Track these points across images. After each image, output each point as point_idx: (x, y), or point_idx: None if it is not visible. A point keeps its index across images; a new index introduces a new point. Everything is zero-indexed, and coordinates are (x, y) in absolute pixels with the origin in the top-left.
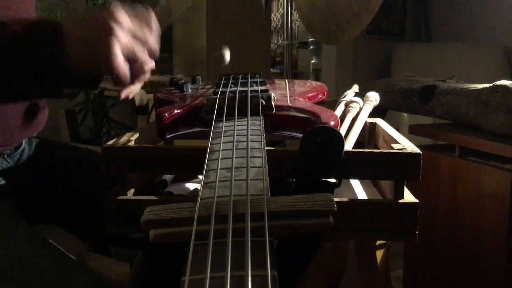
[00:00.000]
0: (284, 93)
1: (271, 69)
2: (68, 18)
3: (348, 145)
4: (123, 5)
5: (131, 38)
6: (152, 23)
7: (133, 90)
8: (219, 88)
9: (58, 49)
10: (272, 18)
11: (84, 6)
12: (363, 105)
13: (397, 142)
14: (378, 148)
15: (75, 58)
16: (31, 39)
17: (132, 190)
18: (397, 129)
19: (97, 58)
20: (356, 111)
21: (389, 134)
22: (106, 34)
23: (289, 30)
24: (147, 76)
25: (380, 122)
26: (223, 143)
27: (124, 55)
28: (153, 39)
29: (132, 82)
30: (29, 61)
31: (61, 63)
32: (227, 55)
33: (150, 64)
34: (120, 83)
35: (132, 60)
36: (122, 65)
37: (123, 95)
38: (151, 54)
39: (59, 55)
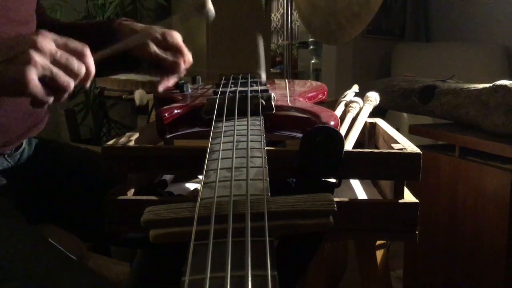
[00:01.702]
0: (284, 93)
1: (271, 69)
2: None
3: (348, 145)
4: (50, 33)
5: (48, 60)
6: (80, 49)
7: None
8: (219, 88)
9: None
10: (272, 18)
11: (84, 6)
12: (363, 105)
13: (397, 142)
14: (378, 148)
15: None
16: None
17: (132, 190)
18: (397, 129)
19: (9, 82)
20: (356, 111)
21: (389, 134)
22: (21, 58)
23: (289, 30)
24: (68, 92)
25: (380, 122)
26: (223, 143)
27: (40, 77)
28: (76, 60)
29: (54, 97)
30: None
31: None
32: (209, 4)
33: (71, 83)
34: (38, 103)
35: (48, 80)
36: (36, 89)
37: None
38: (74, 73)
39: None
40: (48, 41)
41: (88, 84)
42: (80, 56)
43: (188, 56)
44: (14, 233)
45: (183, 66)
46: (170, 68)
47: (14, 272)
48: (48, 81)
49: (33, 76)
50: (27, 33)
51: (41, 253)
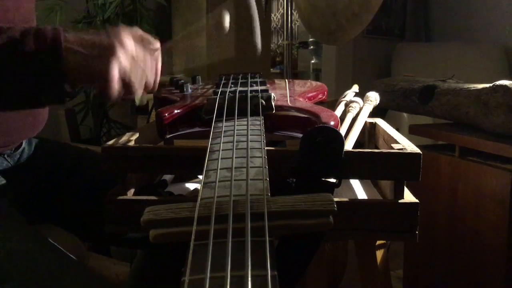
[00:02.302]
0: (284, 93)
1: (271, 69)
2: (70, 28)
3: (348, 145)
4: (131, 30)
5: (131, 63)
6: (156, 55)
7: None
8: (219, 88)
9: (55, 57)
10: (272, 18)
11: (84, 6)
12: (363, 105)
13: (397, 142)
14: (378, 148)
15: (72, 70)
16: (30, 45)
17: (132, 190)
18: (397, 129)
19: (94, 74)
20: (356, 111)
21: (389, 134)
22: (108, 53)
23: (289, 30)
24: (133, 97)
25: (380, 122)
26: (223, 143)
27: (120, 77)
28: (152, 70)
29: (118, 100)
30: (28, 67)
31: (58, 71)
32: (226, 22)
33: (140, 91)
34: (107, 97)
35: (125, 82)
36: (115, 86)
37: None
38: (147, 84)
39: (56, 63)
40: (130, 40)
41: (156, 87)
42: (154, 57)
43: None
44: (14, 233)
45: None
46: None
47: (14, 272)
48: (124, 81)
49: (116, 72)
50: (111, 34)
51: (41, 253)
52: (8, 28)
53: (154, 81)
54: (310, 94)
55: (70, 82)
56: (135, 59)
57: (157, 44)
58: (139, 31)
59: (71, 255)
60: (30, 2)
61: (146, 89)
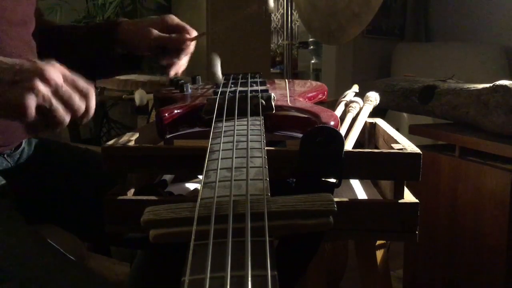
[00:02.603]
0: (284, 93)
1: (271, 69)
2: None
3: (348, 145)
4: (62, 67)
5: (50, 91)
6: (84, 88)
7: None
8: (219, 88)
9: None
10: (272, 18)
11: (84, 6)
12: (363, 105)
13: (397, 142)
14: (378, 148)
15: None
16: None
17: (132, 190)
18: (397, 129)
19: (9, 102)
20: (356, 111)
21: (389, 134)
22: (25, 83)
23: (289, 30)
24: (61, 127)
25: (380, 122)
26: (223, 143)
27: (39, 103)
28: (79, 99)
29: (43, 128)
30: None
31: None
32: (218, 71)
33: (67, 120)
34: (28, 128)
35: (45, 111)
36: (31, 115)
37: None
38: (73, 112)
39: None
40: (56, 74)
41: (84, 122)
42: (84, 96)
43: (191, 31)
44: (12, 234)
45: (188, 40)
46: (177, 46)
47: (13, 273)
48: (45, 112)
49: (32, 104)
50: (37, 61)
51: (39, 254)
52: None
53: (86, 112)
54: (310, 94)
55: None
56: (59, 87)
57: (91, 89)
58: (72, 76)
59: (71, 256)
60: (29, 3)
61: (75, 116)
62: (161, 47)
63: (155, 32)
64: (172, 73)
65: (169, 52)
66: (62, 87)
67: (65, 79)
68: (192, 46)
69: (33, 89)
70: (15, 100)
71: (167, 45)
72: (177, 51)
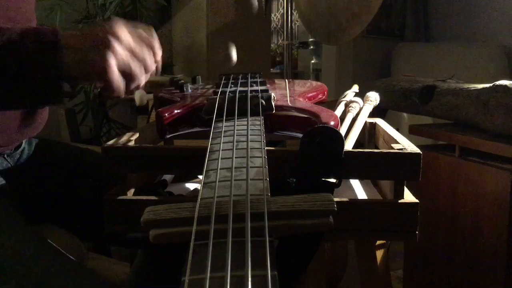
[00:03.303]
0: (284, 93)
1: (271, 69)
2: (66, 28)
3: (348, 145)
4: (124, 22)
5: (128, 54)
6: (152, 43)
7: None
8: (219, 88)
9: (54, 57)
10: (272, 18)
11: (84, 6)
12: (363, 105)
13: (397, 142)
14: (378, 148)
15: (71, 66)
16: (28, 46)
17: (132, 190)
18: (397, 129)
19: (92, 69)
20: (356, 111)
21: (389, 134)
22: (103, 47)
23: (289, 30)
24: (137, 86)
25: (380, 122)
26: (223, 143)
27: (119, 69)
28: (150, 56)
29: (123, 93)
30: (26, 68)
31: (58, 70)
32: (234, 55)
33: (143, 80)
34: (111, 93)
35: (126, 73)
36: (115, 78)
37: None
38: (147, 70)
39: (55, 63)
40: (125, 32)
41: (158, 74)
42: (151, 47)
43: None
44: (12, 234)
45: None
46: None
47: (12, 273)
48: (125, 71)
49: (114, 65)
50: (105, 25)
51: (39, 254)
52: (7, 29)
53: (157, 65)
54: (310, 94)
55: (69, 80)
56: (132, 49)
57: (153, 32)
58: (133, 24)
59: (70, 256)
60: (30, 2)
61: (147, 75)
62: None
63: (114, 72)
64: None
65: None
66: (135, 46)
67: (132, 35)
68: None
69: (111, 49)
70: (98, 64)
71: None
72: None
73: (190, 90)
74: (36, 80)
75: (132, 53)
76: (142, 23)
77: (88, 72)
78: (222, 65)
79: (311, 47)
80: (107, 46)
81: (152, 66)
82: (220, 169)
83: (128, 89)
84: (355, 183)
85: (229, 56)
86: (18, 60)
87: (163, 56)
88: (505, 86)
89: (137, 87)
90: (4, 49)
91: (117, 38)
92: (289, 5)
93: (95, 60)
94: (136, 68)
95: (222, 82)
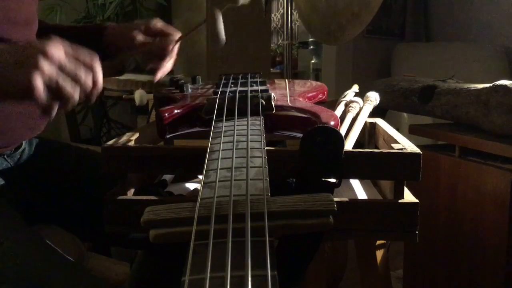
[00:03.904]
0: (284, 93)
1: (271, 69)
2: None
3: (348, 145)
4: (63, 41)
5: (56, 70)
6: (91, 62)
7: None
8: (219, 88)
9: None
10: (272, 18)
11: (84, 6)
12: (363, 105)
13: (397, 142)
14: (378, 148)
15: None
16: None
17: (132, 190)
18: (397, 129)
19: (15, 86)
20: (356, 111)
21: (389, 134)
22: (29, 63)
23: (289, 30)
24: (71, 105)
25: (380, 122)
26: (223, 143)
27: (47, 86)
28: (87, 75)
29: (53, 112)
30: None
31: None
32: (221, 32)
33: (76, 94)
34: (41, 109)
35: (54, 91)
36: (40, 96)
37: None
38: (83, 88)
39: None
40: (58, 49)
41: (94, 98)
42: (90, 68)
43: (175, 35)
44: (9, 235)
45: (170, 43)
46: (161, 51)
47: (12, 273)
48: (53, 90)
49: (39, 82)
50: (38, 40)
51: (36, 255)
52: None
53: (94, 86)
54: (310, 94)
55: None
56: (62, 64)
57: (95, 57)
58: (74, 46)
59: (70, 256)
60: (32, 2)
61: (83, 92)
62: (145, 51)
63: (140, 36)
64: (158, 76)
65: (153, 56)
66: (65, 63)
67: (67, 54)
68: (175, 50)
69: (38, 68)
70: (23, 82)
71: (151, 50)
72: (161, 55)
73: (190, 90)
74: None
75: (62, 69)
76: (141, 19)
77: (10, 89)
78: (212, 47)
79: (311, 47)
80: (33, 63)
81: (88, 84)
82: (220, 169)
83: (62, 107)
84: (355, 183)
85: (217, 35)
86: None
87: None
88: (505, 86)
89: (71, 103)
90: None
91: (46, 54)
92: (289, 5)
93: (18, 76)
94: (67, 85)
95: (222, 82)
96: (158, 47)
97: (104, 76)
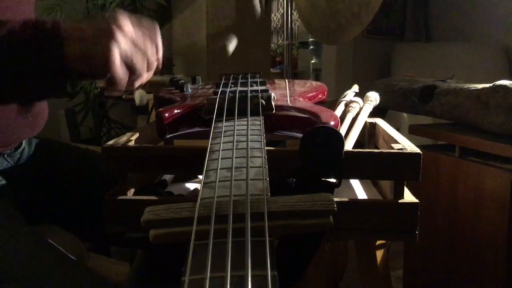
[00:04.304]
0: (284, 93)
1: (271, 69)
2: (68, 18)
3: (348, 145)
4: (129, 15)
5: (132, 46)
6: (155, 36)
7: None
8: (219, 88)
9: (55, 48)
10: (272, 18)
11: (84, 6)
12: (363, 105)
13: (397, 142)
14: (378, 148)
15: (73, 58)
16: (30, 37)
17: (132, 190)
18: (397, 129)
19: (95, 60)
20: (356, 111)
21: (389, 134)
22: (107, 38)
23: (289, 30)
24: (140, 82)
25: (380, 122)
26: (223, 143)
27: (122, 61)
28: (153, 51)
29: (126, 86)
30: (29, 59)
31: (60, 62)
32: (231, 46)
33: (146, 74)
34: (114, 86)
35: (129, 66)
36: (118, 70)
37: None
38: (150, 65)
39: (56, 54)
40: (128, 23)
41: (157, 70)
42: (153, 40)
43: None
44: (12, 234)
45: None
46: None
47: (13, 273)
48: (128, 63)
49: (117, 56)
50: (109, 16)
51: (39, 254)
52: (7, 21)
53: (158, 62)
54: (310, 94)
55: (71, 73)
56: (135, 41)
57: (156, 27)
58: (138, 18)
59: (71, 255)
60: (29, 2)
61: (149, 70)
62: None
63: (118, 63)
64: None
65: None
66: (136, 37)
67: (135, 27)
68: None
69: (116, 41)
70: (101, 55)
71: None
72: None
73: (190, 90)
74: (38, 72)
75: (135, 45)
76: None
77: (91, 63)
78: (217, 56)
79: (311, 47)
80: (110, 37)
81: (154, 62)
82: (220, 169)
83: (130, 83)
84: (355, 183)
85: (224, 47)
86: (19, 52)
87: (164, 54)
88: (505, 86)
89: (139, 85)
90: (4, 40)
91: (121, 29)
92: (289, 5)
93: (97, 51)
94: (139, 61)
95: (222, 82)
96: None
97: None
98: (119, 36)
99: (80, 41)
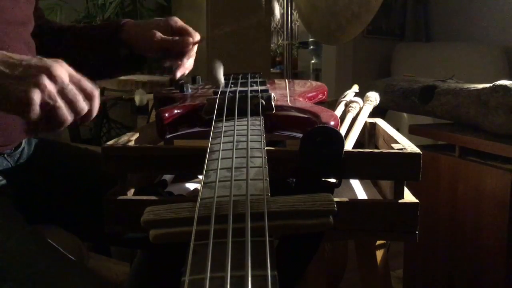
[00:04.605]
0: (284, 93)
1: (271, 69)
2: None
3: (348, 145)
4: (68, 67)
5: (56, 90)
6: (91, 89)
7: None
8: (219, 88)
9: None
10: (272, 18)
11: (84, 6)
12: (363, 105)
13: (397, 142)
14: (378, 148)
15: None
16: None
17: (132, 190)
18: (397, 129)
19: (11, 95)
20: (356, 111)
21: (389, 134)
22: (32, 75)
23: (289, 30)
24: (64, 125)
25: (380, 122)
26: (223, 143)
27: (43, 103)
28: (84, 100)
29: (45, 127)
30: None
31: None
32: (221, 76)
33: (70, 116)
34: (29, 126)
35: (49, 106)
36: (34, 112)
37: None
38: (77, 113)
39: None
40: (63, 72)
41: (84, 123)
42: (88, 97)
43: (195, 34)
44: (12, 234)
45: (191, 43)
46: (180, 49)
47: (13, 273)
48: (48, 110)
49: (36, 99)
50: (44, 59)
51: (39, 254)
52: None
53: (91, 112)
54: (310, 94)
55: None
56: (64, 86)
57: (96, 93)
58: (79, 76)
59: (71, 256)
60: (28, 3)
61: (78, 116)
62: (164, 49)
63: (159, 34)
64: (178, 74)
65: (172, 55)
66: (67, 86)
67: (71, 78)
68: (194, 49)
69: (39, 85)
70: (20, 95)
71: (170, 48)
72: (180, 54)
73: (190, 90)
74: None
75: (62, 92)
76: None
77: (6, 98)
78: (217, 56)
79: (311, 47)
80: (36, 79)
81: (83, 108)
82: (220, 169)
83: (50, 127)
84: (355, 183)
85: (215, 79)
86: None
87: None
88: (505, 86)
89: (61, 126)
90: None
91: (49, 73)
92: (289, 5)
93: (17, 89)
94: (62, 105)
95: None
96: (177, 45)
97: (124, 74)
98: (45, 79)
99: (2, 77)
